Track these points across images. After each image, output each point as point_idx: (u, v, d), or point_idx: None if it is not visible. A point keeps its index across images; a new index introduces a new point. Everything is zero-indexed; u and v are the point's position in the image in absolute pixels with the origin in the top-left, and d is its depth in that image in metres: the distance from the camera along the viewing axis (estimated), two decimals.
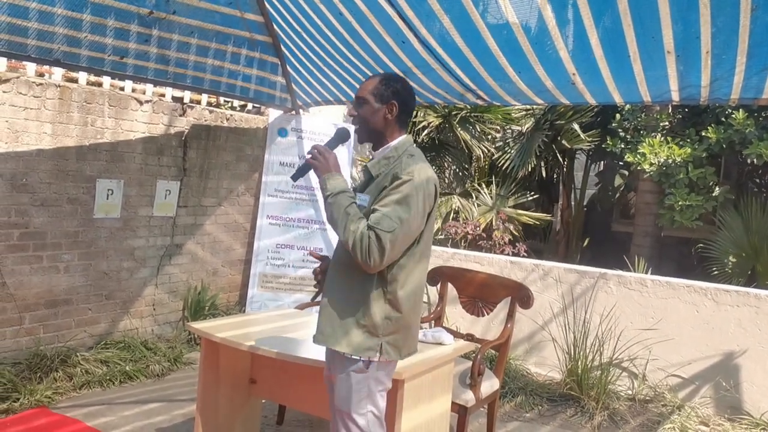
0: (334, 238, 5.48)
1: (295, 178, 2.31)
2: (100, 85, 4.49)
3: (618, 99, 3.61)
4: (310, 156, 2.16)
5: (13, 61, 3.97)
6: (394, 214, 1.96)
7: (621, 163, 8.29)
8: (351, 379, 2.06)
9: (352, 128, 2.38)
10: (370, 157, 2.21)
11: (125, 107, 4.48)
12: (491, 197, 7.12)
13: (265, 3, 4.08)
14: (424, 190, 2.03)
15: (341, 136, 2.28)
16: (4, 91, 3.81)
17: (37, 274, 4.05)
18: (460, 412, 2.96)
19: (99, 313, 4.45)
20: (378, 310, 2.02)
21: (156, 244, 4.79)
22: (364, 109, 2.14)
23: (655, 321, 4.25)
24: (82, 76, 4.37)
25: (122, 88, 4.61)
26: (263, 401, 3.44)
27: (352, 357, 2.04)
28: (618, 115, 7.41)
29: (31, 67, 4.07)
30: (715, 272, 6.52)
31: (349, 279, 2.07)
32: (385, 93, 2.12)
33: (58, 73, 4.25)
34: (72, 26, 3.50)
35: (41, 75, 4.17)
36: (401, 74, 3.89)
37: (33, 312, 4.04)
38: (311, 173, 2.24)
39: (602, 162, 9.45)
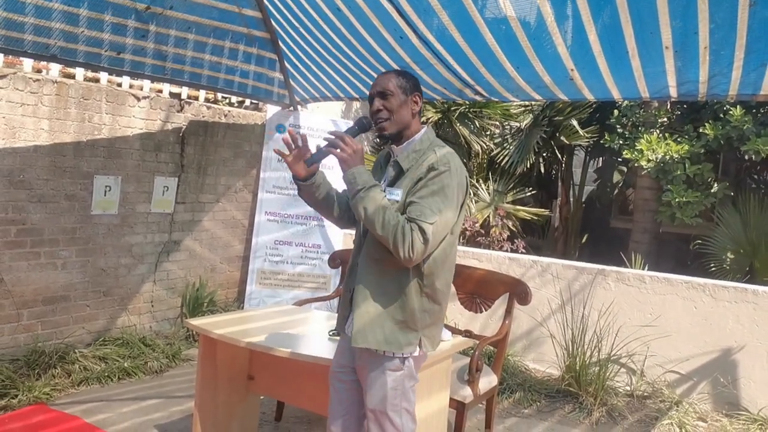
0: (332, 234, 5.48)
1: (309, 164, 2.17)
2: (97, 81, 4.47)
3: (616, 95, 3.61)
4: (330, 144, 2.05)
5: (10, 57, 3.96)
6: (434, 206, 1.94)
7: (619, 159, 8.27)
8: (387, 377, 2.02)
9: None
10: (394, 152, 2.18)
11: (122, 103, 4.47)
12: (489, 193, 7.12)
13: None
14: (459, 181, 2.02)
15: (363, 126, 2.16)
16: (0, 87, 3.80)
17: (34, 270, 4.05)
18: (459, 408, 2.96)
19: (97, 309, 4.44)
20: (416, 304, 2.00)
21: (154, 241, 4.78)
22: (391, 101, 2.08)
23: (653, 317, 4.25)
24: (79, 72, 4.36)
25: (119, 84, 4.60)
26: (261, 398, 3.44)
27: (390, 354, 2.00)
28: (616, 111, 7.40)
29: (28, 63, 4.05)
30: (713, 268, 6.52)
31: (383, 274, 2.03)
32: (408, 85, 2.11)
33: (55, 69, 4.23)
34: (69, 21, 3.49)
35: (38, 71, 4.15)
36: (399, 68, 3.89)
37: (31, 309, 4.04)
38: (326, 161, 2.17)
39: (601, 158, 9.44)
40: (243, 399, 3.20)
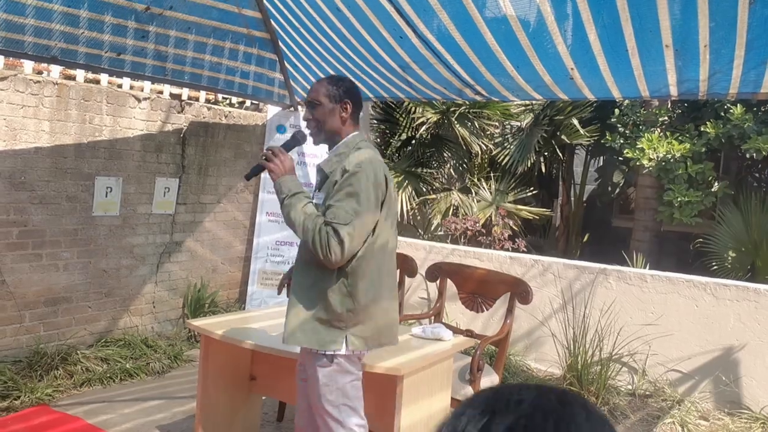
0: None
1: (248, 177, 2.36)
2: (97, 82, 4.48)
3: (617, 94, 3.61)
4: (264, 157, 2.20)
5: (11, 58, 3.96)
6: (348, 207, 2.02)
7: (620, 158, 8.28)
8: (318, 373, 2.12)
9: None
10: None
11: (123, 104, 4.47)
12: (491, 193, 7.12)
13: None
14: (374, 180, 2.08)
15: (297, 139, 2.32)
16: (1, 89, 3.80)
17: (36, 272, 4.05)
18: None
19: (99, 310, 4.45)
20: (339, 304, 2.06)
21: (155, 242, 4.78)
22: (319, 111, 2.19)
23: (654, 316, 4.25)
24: (80, 74, 4.36)
25: (120, 86, 4.60)
26: (263, 398, 3.45)
27: (319, 352, 2.10)
28: (617, 110, 7.40)
29: (28, 65, 4.06)
30: (715, 267, 6.52)
31: (311, 276, 2.12)
32: (337, 93, 2.19)
33: (55, 70, 4.24)
34: (69, 23, 3.49)
35: (39, 72, 4.16)
36: (399, 68, 3.89)
37: (33, 310, 4.04)
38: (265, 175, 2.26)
39: (602, 157, 9.44)
40: (245, 399, 3.20)
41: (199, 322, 3.00)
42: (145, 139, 4.61)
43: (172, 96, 4.90)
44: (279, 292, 2.54)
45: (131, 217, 4.58)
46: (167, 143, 4.78)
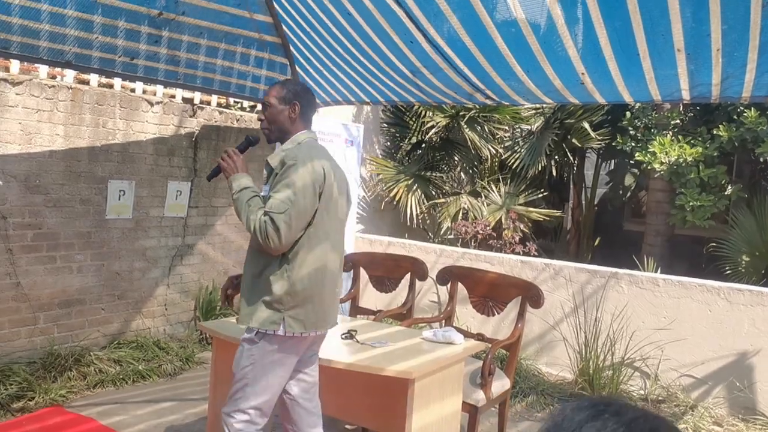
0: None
1: (209, 178, 2.63)
2: (111, 86, 4.52)
3: (628, 98, 3.59)
4: (221, 158, 2.42)
5: (26, 63, 4.01)
6: (284, 197, 2.18)
7: (632, 162, 8.23)
8: (242, 347, 2.30)
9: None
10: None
11: (136, 108, 4.51)
12: (501, 196, 7.10)
13: (274, 4, 4.09)
14: (310, 171, 2.23)
15: (250, 141, 2.54)
16: (17, 94, 3.86)
17: (50, 274, 4.10)
18: (471, 411, 2.96)
19: (112, 312, 4.49)
20: (279, 287, 2.21)
21: (167, 245, 4.82)
22: (270, 112, 2.39)
23: (667, 321, 4.22)
24: (94, 78, 4.41)
25: (133, 90, 4.65)
26: None
27: (259, 330, 2.24)
28: (628, 114, 7.36)
29: (43, 70, 4.11)
30: (728, 271, 6.46)
31: (260, 264, 2.27)
32: (288, 95, 2.39)
33: (69, 75, 4.29)
34: (83, 28, 3.53)
35: (53, 77, 4.21)
36: (409, 73, 3.90)
37: (47, 312, 4.09)
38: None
39: (613, 161, 9.38)
40: None
41: (211, 325, 3.02)
42: (158, 142, 4.65)
43: (185, 100, 4.94)
44: (222, 305, 2.60)
45: (144, 220, 4.62)
46: (179, 147, 4.82)
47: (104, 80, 4.52)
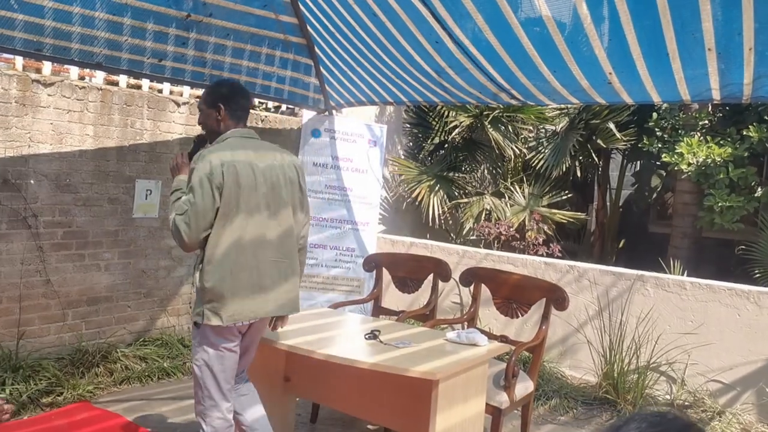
0: (366, 238, 5.51)
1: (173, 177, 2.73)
2: (139, 87, 4.60)
3: (656, 98, 3.54)
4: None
5: (56, 64, 4.10)
6: (185, 198, 2.35)
7: (658, 163, 8.10)
8: (192, 335, 2.52)
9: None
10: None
11: (163, 109, 4.58)
12: (524, 197, 7.05)
13: (300, 5, 4.12)
14: (207, 172, 2.33)
15: (197, 142, 2.71)
16: (49, 95, 3.94)
17: (79, 271, 4.17)
18: (495, 413, 2.95)
19: (138, 310, 4.56)
20: (198, 282, 2.38)
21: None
22: (201, 115, 2.60)
23: (694, 325, 4.15)
24: (123, 79, 4.48)
25: (160, 91, 4.72)
26: (297, 399, 3.48)
27: (193, 320, 2.46)
28: (655, 114, 7.25)
29: (74, 71, 4.19)
30: (758, 275, 6.32)
31: (196, 257, 2.48)
32: (210, 99, 2.55)
33: (99, 76, 4.37)
34: (113, 30, 3.60)
35: (81, 78, 4.29)
36: (434, 73, 3.89)
37: (75, 309, 4.16)
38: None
39: (639, 162, 9.24)
40: (280, 400, 3.24)
41: None
42: (184, 142, 4.71)
43: None
44: None
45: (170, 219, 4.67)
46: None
47: (132, 81, 4.59)
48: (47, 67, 4.03)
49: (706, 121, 7.18)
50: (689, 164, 6.66)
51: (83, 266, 4.19)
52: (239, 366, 2.58)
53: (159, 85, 4.72)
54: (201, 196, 2.31)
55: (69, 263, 4.11)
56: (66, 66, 4.04)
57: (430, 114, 7.29)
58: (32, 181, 3.89)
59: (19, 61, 3.91)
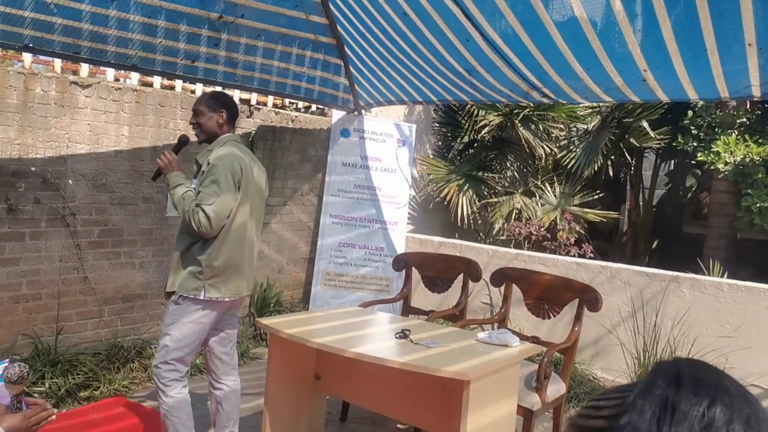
0: (394, 237, 5.51)
1: (154, 179, 3.00)
2: (172, 88, 4.67)
3: (693, 95, 3.47)
4: (158, 159, 2.83)
5: (92, 66, 4.18)
6: (211, 191, 2.63)
7: (693, 162, 7.93)
8: (169, 308, 2.78)
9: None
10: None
11: None
12: (555, 196, 6.97)
13: (330, 5, 4.14)
14: (229, 168, 2.67)
15: (182, 142, 2.94)
16: (86, 96, 4.03)
17: (115, 269, 4.26)
18: (526, 415, 2.92)
19: None
20: (203, 261, 2.68)
21: None
22: (201, 117, 2.84)
23: (732, 328, 4.05)
24: (157, 80, 4.56)
25: (193, 91, 4.78)
26: (327, 397, 3.49)
27: (181, 295, 2.71)
28: (690, 112, 7.10)
29: (110, 73, 4.27)
30: None
31: (185, 242, 2.75)
32: (215, 105, 2.85)
33: (134, 77, 4.45)
34: (148, 32, 3.67)
35: (117, 80, 4.37)
36: (464, 71, 3.88)
37: (111, 305, 4.25)
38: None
39: (673, 161, 9.06)
40: (310, 398, 3.26)
41: (268, 321, 3.08)
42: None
43: (242, 101, 5.05)
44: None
45: None
46: None
47: (166, 82, 4.67)
48: (84, 69, 4.12)
49: (744, 119, 7.00)
50: (726, 163, 6.50)
51: (118, 264, 4.28)
52: (229, 338, 2.99)
53: (192, 86, 4.79)
54: (227, 189, 2.64)
55: (105, 261, 4.20)
56: (102, 68, 4.13)
57: (460, 113, 7.25)
58: (70, 181, 3.99)
59: (57, 63, 4.02)
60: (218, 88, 4.81)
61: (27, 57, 3.87)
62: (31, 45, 3.37)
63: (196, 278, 2.69)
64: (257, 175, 2.88)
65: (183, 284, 2.71)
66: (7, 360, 2.34)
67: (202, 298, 2.70)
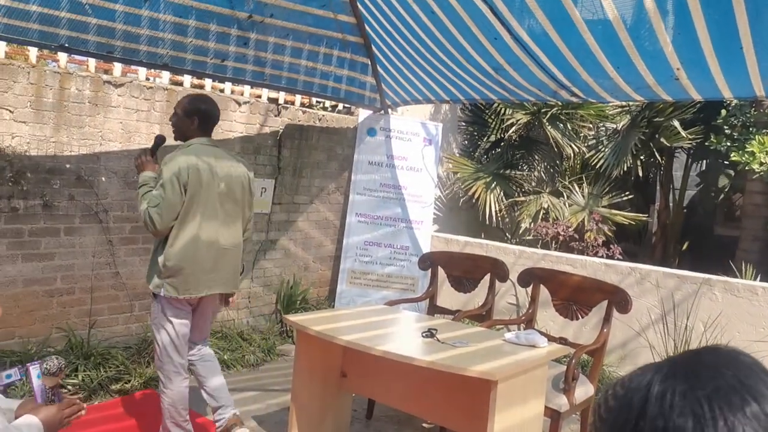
0: (420, 236, 5.51)
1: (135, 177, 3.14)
2: (202, 87, 4.73)
3: (727, 94, 3.39)
4: (135, 160, 3.03)
5: (123, 66, 4.26)
6: (157, 193, 2.80)
7: (726, 162, 7.75)
8: (152, 307, 2.99)
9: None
10: None
11: (225, 108, 4.69)
12: (583, 197, 6.88)
13: (358, 4, 4.15)
14: (174, 172, 2.79)
15: (157, 142, 3.10)
16: (119, 95, 4.11)
17: (145, 265, 4.29)
18: (553, 416, 2.89)
19: None
20: (160, 260, 2.83)
21: (252, 240, 4.97)
22: (175, 118, 3.02)
23: (766, 332, 3.95)
24: (187, 79, 4.63)
25: (222, 90, 4.84)
26: (353, 395, 3.51)
27: (153, 292, 2.91)
28: (724, 111, 6.94)
29: (142, 72, 4.35)
30: None
31: (154, 239, 2.94)
32: (189, 109, 2.98)
33: (165, 76, 4.52)
34: (178, 32, 3.72)
35: (148, 79, 4.45)
36: (492, 70, 3.85)
37: (141, 300, 4.33)
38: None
39: (705, 161, 8.87)
40: (336, 395, 3.28)
41: (295, 318, 3.10)
42: (244, 141, 4.83)
43: (270, 100, 5.10)
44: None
45: None
46: (264, 145, 4.98)
47: (196, 81, 4.74)
48: (117, 68, 4.20)
49: None
50: (761, 164, 6.34)
51: (148, 260, 4.34)
52: (199, 332, 3.10)
53: (221, 85, 4.85)
54: (172, 191, 2.78)
55: (136, 257, 4.28)
56: (134, 67, 4.20)
57: (486, 112, 7.21)
58: (103, 178, 4.07)
59: (92, 63, 4.10)
60: (246, 87, 4.89)
61: (62, 57, 3.95)
62: (66, 45, 3.44)
63: (159, 276, 2.86)
64: (223, 176, 2.96)
65: (152, 282, 2.89)
66: (39, 361, 2.46)
67: (162, 295, 2.87)
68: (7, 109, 3.65)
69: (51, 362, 1.82)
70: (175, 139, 3.06)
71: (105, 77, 4.08)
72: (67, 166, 3.91)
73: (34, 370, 1.83)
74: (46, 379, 1.82)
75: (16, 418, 1.70)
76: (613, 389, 0.59)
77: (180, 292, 2.86)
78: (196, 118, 2.98)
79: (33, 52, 3.91)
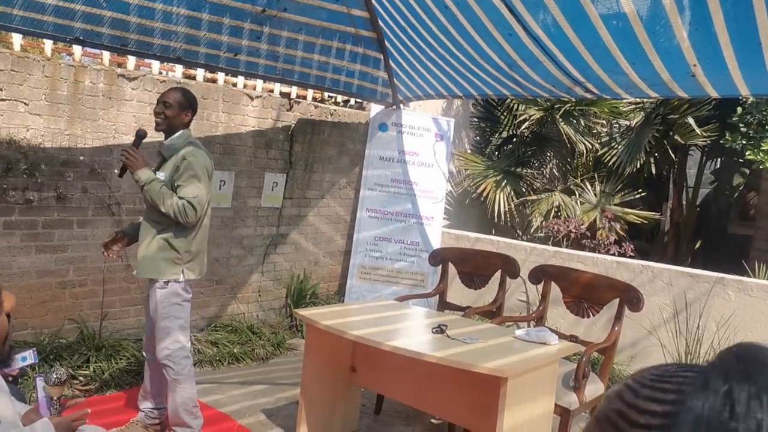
0: (430, 232, 5.50)
1: (121, 175, 3.08)
2: (214, 81, 4.74)
3: (744, 91, 3.35)
4: (123, 156, 2.93)
5: (137, 59, 4.28)
6: (195, 186, 2.85)
7: (741, 160, 7.66)
8: (157, 295, 2.92)
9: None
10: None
11: (237, 102, 4.71)
12: (595, 195, 6.83)
13: None
14: (204, 163, 2.92)
15: (140, 137, 3.02)
16: (132, 88, 4.13)
17: None
18: (563, 414, 2.88)
19: (210, 297, 4.72)
20: (181, 248, 2.90)
21: (263, 234, 5.00)
22: (170, 110, 2.96)
23: None
24: (200, 73, 4.64)
25: (235, 84, 4.85)
26: (362, 390, 3.51)
27: (161, 280, 2.90)
28: (740, 109, 6.86)
29: (155, 65, 4.36)
30: None
31: (156, 230, 2.92)
32: (186, 103, 3.01)
33: (178, 70, 4.53)
34: (192, 25, 3.73)
35: (161, 72, 4.46)
36: (505, 66, 3.83)
37: None
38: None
39: (719, 159, 8.78)
40: (345, 390, 3.28)
41: (305, 312, 3.11)
42: (257, 135, 4.84)
43: (282, 94, 5.10)
44: (105, 253, 3.21)
45: (242, 209, 4.82)
46: (276, 140, 4.98)
47: (209, 75, 4.75)
48: (131, 62, 4.22)
49: None
50: None
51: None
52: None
53: (233, 79, 4.85)
54: (206, 185, 2.91)
55: None
56: (147, 60, 4.21)
57: (499, 108, 7.17)
58: (116, 171, 4.09)
59: (106, 56, 4.12)
60: (259, 81, 4.90)
61: (77, 50, 3.98)
62: (81, 38, 3.46)
63: (175, 263, 2.92)
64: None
65: (160, 270, 2.91)
66: (31, 350, 2.53)
67: (180, 280, 2.94)
68: (22, 102, 3.67)
69: (56, 373, 1.89)
70: (159, 130, 3.05)
71: (119, 71, 4.09)
72: (81, 158, 3.94)
73: (40, 382, 1.92)
74: (51, 389, 1.88)
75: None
76: (651, 391, 0.54)
77: (197, 273, 3.02)
78: (190, 111, 3.05)
79: (48, 45, 3.93)
